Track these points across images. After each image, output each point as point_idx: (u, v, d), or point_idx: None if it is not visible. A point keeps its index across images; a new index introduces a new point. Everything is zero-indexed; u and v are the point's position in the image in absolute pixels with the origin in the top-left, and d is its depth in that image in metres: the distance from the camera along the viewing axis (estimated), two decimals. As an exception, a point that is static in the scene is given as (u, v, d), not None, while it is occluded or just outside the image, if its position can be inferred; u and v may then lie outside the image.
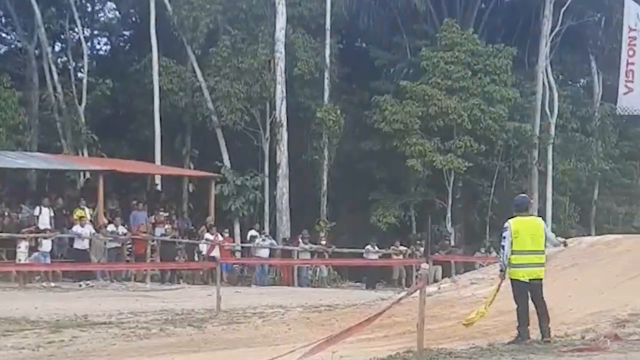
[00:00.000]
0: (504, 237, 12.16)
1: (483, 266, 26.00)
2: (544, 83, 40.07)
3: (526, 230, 12.08)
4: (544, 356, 10.57)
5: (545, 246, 12.24)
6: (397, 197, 37.32)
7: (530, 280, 12.01)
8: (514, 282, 12.12)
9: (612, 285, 15.68)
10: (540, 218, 12.89)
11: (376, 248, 32.97)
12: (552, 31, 40.30)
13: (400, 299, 12.12)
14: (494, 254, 33.49)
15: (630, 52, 26.13)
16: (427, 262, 26.47)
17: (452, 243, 36.24)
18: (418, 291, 10.42)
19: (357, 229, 36.68)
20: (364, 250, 32.58)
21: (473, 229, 39.53)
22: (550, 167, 39.29)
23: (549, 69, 40.63)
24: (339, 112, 35.92)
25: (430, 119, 36.00)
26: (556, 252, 12.72)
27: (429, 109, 35.85)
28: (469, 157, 36.40)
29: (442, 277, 27.64)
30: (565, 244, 13.33)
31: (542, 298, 12.10)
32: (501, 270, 12.35)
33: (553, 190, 39.38)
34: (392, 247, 33.41)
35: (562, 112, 40.78)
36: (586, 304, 14.41)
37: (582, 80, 48.84)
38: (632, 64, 26.30)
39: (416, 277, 28.42)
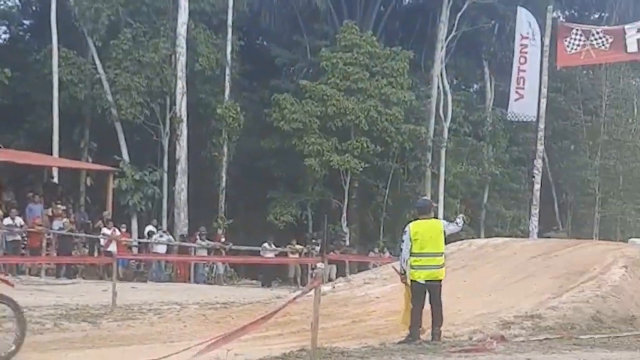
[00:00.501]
0: (403, 240, 12.55)
1: (376, 266, 26.32)
2: (438, 87, 40.81)
3: (426, 232, 12.41)
4: (432, 356, 10.83)
5: (445, 246, 12.65)
6: (294, 195, 37.46)
7: (427, 281, 12.33)
8: (412, 283, 12.42)
9: (499, 287, 16.12)
10: (441, 220, 13.23)
11: (273, 246, 32.99)
12: (447, 36, 41.09)
13: (295, 297, 12.23)
14: (387, 254, 34.08)
15: (522, 60, 26.84)
16: (323, 261, 26.73)
17: (347, 243, 36.56)
18: (313, 290, 10.51)
19: (254, 226, 36.61)
20: (260, 248, 32.56)
21: (367, 229, 39.93)
22: (442, 170, 40.01)
23: (444, 73, 41.42)
24: (239, 109, 35.86)
25: (328, 119, 36.19)
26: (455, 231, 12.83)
27: (327, 109, 36.04)
28: (365, 157, 36.73)
29: (337, 277, 27.88)
30: (463, 220, 13.38)
31: (440, 300, 12.40)
32: (401, 273, 12.69)
33: (445, 192, 40.07)
34: (288, 246, 33.48)
35: (455, 116, 41.59)
36: (474, 306, 14.79)
37: (475, 86, 49.88)
38: (524, 71, 27.00)
39: (311, 275, 28.61)
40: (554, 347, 11.84)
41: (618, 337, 12.96)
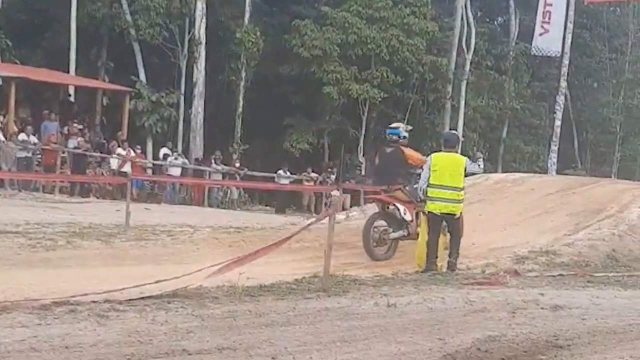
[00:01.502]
0: (423, 169, 12.63)
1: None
2: (462, 19, 40.29)
3: (446, 166, 12.54)
4: (444, 287, 10.82)
5: (464, 183, 12.67)
6: (311, 123, 37.32)
7: (442, 214, 12.50)
8: (428, 214, 12.58)
9: (515, 222, 16.09)
10: (465, 158, 13.04)
11: (288, 173, 33.05)
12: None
13: (309, 224, 12.23)
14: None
15: (549, -6, 26.42)
16: (338, 190, 26.71)
17: (363, 172, 36.53)
18: (327, 218, 10.49)
19: (270, 153, 36.61)
20: (275, 175, 32.60)
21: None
22: (463, 103, 39.77)
23: (469, 5, 40.85)
24: (258, 33, 35.56)
25: (349, 47, 35.82)
26: (477, 172, 12.97)
27: (348, 37, 35.67)
28: (385, 87, 36.47)
29: (351, 206, 27.86)
30: (482, 160, 13.49)
31: (458, 232, 12.60)
32: (418, 201, 12.89)
33: (464, 126, 39.88)
34: (303, 174, 33.53)
35: (478, 49, 41.16)
36: (489, 240, 14.78)
37: (499, 19, 49.25)
38: (550, 4, 26.56)
39: (326, 204, 28.66)
40: (567, 284, 11.80)
41: (633, 275, 12.91)
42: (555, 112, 21.71)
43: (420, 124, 39.33)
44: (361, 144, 37.28)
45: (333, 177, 32.78)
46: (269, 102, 37.71)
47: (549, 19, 23.57)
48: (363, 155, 37.35)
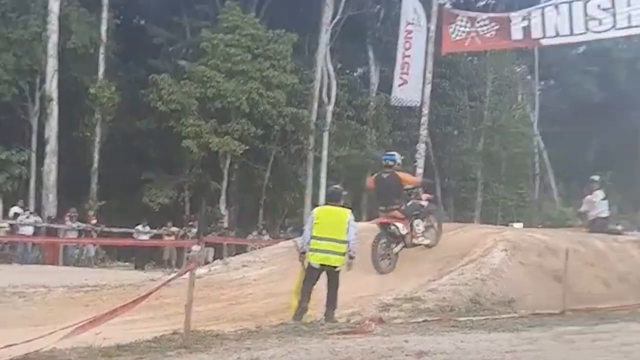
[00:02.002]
0: (308, 222, 13.15)
1: (255, 249, 26.32)
2: (322, 70, 40.94)
3: (328, 218, 12.94)
4: (310, 338, 10.81)
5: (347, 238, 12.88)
6: (171, 177, 37.07)
7: (321, 265, 12.83)
8: (308, 265, 12.93)
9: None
10: (350, 213, 13.29)
11: (147, 228, 32.62)
12: (332, 20, 41.23)
13: (169, 280, 12.08)
14: (266, 236, 34.13)
15: (407, 45, 27.14)
16: (199, 244, 26.54)
17: (226, 225, 36.44)
18: (188, 273, 10.38)
19: (129, 208, 35.99)
20: (134, 230, 32.13)
21: (247, 212, 39.90)
22: (325, 153, 40.23)
23: (329, 57, 41.56)
24: (113, 88, 35.24)
25: (208, 101, 35.85)
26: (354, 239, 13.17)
27: (207, 91, 35.68)
28: (246, 140, 36.52)
29: (214, 259, 27.70)
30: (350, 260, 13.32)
31: (335, 285, 12.83)
32: (301, 252, 13.07)
33: (327, 176, 40.29)
34: (164, 228, 33.18)
35: (339, 100, 41.88)
36: (354, 288, 14.83)
37: (359, 70, 50.29)
38: (408, 56, 27.32)
39: (187, 258, 28.44)
40: (432, 329, 11.98)
41: (496, 319, 13.22)
42: (416, 160, 22.28)
43: (283, 175, 39.76)
44: (223, 196, 37.20)
45: (194, 230, 32.52)
46: (126, 156, 37.29)
47: (408, 70, 24.24)
48: (225, 208, 37.25)
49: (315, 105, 40.68)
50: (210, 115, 36.09)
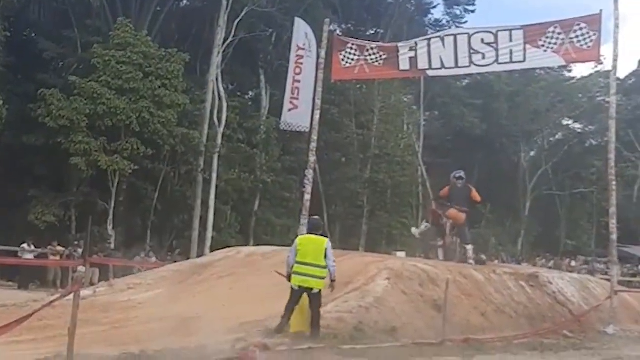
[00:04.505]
0: (291, 249, 14.33)
1: (142, 271, 25.92)
2: (214, 92, 40.90)
3: (309, 245, 14.10)
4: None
5: (326, 263, 13.97)
6: (58, 195, 36.32)
7: (300, 287, 13.84)
8: (291, 287, 13.95)
9: (266, 296, 16.22)
10: (328, 241, 14.41)
11: (32, 247, 31.79)
12: (224, 41, 41.26)
13: (52, 301, 11.83)
14: (153, 259, 33.69)
15: (297, 70, 27.14)
16: (85, 265, 26.05)
17: (113, 246, 35.83)
18: (72, 294, 10.21)
19: (13, 226, 35.11)
20: (18, 249, 31.28)
21: (134, 233, 39.35)
22: (215, 175, 40.08)
23: (220, 79, 41.55)
24: (1, 102, 34.36)
25: (98, 118, 35.28)
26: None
27: (97, 108, 35.13)
28: (135, 159, 36.15)
29: (100, 280, 27.19)
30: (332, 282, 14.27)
31: (316, 307, 13.80)
32: (288, 276, 14.18)
33: (216, 199, 40.16)
34: (49, 247, 32.38)
35: (230, 122, 41.88)
36: (239, 314, 14.83)
37: (251, 93, 50.37)
38: (298, 81, 27.30)
39: (72, 279, 27.84)
40: (316, 357, 12.09)
41: (379, 347, 13.39)
42: (304, 186, 22.38)
43: (172, 197, 39.38)
44: (111, 216, 36.57)
45: (80, 251, 31.85)
46: (12, 173, 36.31)
47: (298, 95, 24.19)
48: (113, 228, 36.66)
49: (206, 126, 40.58)
50: (100, 133, 35.52)
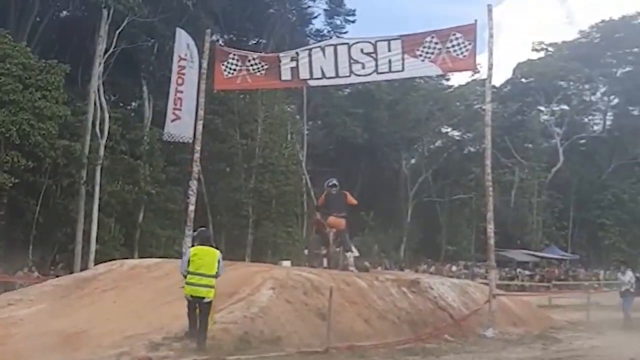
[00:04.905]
0: (184, 255, 14.97)
1: (24, 286, 25.23)
2: (95, 103, 40.22)
3: (205, 257, 14.32)
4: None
5: (217, 273, 14.28)
6: None
7: (192, 297, 14.03)
8: (185, 297, 14.15)
9: (150, 309, 16.06)
10: (218, 251, 14.76)
11: None
12: (106, 52, 40.66)
13: None
14: (35, 274, 32.83)
15: (180, 81, 26.82)
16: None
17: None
18: None
19: None
20: None
21: (16, 247, 38.27)
22: (97, 188, 39.39)
23: (102, 90, 40.91)
24: None
25: (-24, 131, 34.33)
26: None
27: (-25, 121, 34.18)
28: (16, 173, 35.21)
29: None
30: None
31: (204, 316, 13.99)
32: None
33: (99, 211, 39.49)
34: None
35: (112, 133, 41.25)
36: (123, 327, 14.62)
37: (133, 104, 49.78)
38: (181, 92, 26.99)
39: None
40: (201, 369, 12.06)
41: (264, 357, 13.41)
42: (189, 197, 22.22)
43: (54, 210, 38.51)
44: (-10, 231, 35.60)
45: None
46: None
47: (181, 105, 23.97)
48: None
49: (88, 138, 39.89)
50: (-24, 146, 34.51)
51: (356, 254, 20.96)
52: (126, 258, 26.98)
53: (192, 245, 15.39)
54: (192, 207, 21.06)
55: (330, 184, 21.13)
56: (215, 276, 14.23)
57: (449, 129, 70.83)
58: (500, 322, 19.41)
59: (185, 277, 14.24)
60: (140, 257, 33.33)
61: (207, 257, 14.32)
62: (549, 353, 16.50)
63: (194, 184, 21.66)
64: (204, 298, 13.98)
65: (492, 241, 19.63)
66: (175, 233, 42.44)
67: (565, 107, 76.73)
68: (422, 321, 17.83)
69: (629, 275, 25.18)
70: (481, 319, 18.87)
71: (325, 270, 19.57)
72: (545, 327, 21.26)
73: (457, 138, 71.47)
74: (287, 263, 23.59)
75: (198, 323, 13.91)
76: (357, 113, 62.89)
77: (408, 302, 18.33)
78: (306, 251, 22.61)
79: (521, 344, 17.85)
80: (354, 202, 20.99)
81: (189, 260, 14.26)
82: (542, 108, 76.31)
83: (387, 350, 15.23)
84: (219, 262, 14.35)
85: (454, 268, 53.54)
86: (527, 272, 55.86)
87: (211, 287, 14.09)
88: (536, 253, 62.76)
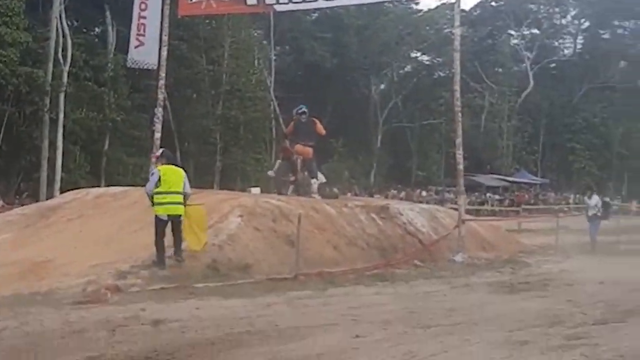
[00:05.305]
0: (152, 175, 14.55)
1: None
2: (57, 29, 39.56)
3: (172, 175, 14.44)
4: (43, 309, 10.59)
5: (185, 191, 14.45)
6: None
7: (169, 215, 14.11)
8: (156, 217, 14.12)
9: (117, 237, 16.00)
10: (182, 169, 14.95)
11: None
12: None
13: None
14: (0, 202, 32.72)
15: (143, 6, 26.25)
16: None
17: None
18: None
19: None
20: None
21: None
22: (62, 115, 39.00)
23: (63, 15, 40.21)
24: None
25: None
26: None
27: None
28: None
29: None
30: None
31: (180, 230, 14.25)
32: (152, 201, 14.37)
33: (64, 139, 39.17)
34: None
35: (75, 60, 40.72)
36: (90, 256, 14.57)
37: (96, 29, 49.07)
38: (144, 17, 26.48)
39: None
40: (169, 296, 12.06)
41: (233, 285, 13.43)
42: (154, 124, 22.00)
43: (18, 138, 38.14)
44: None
45: None
46: None
47: (144, 31, 23.53)
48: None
49: (51, 65, 39.27)
50: None
51: (322, 180, 20.93)
52: (92, 186, 26.83)
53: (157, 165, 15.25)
54: (158, 135, 20.88)
55: (299, 111, 21.04)
56: (184, 194, 14.42)
57: (419, 54, 70.54)
58: (470, 247, 19.58)
59: (151, 197, 14.27)
60: (107, 185, 33.21)
61: (174, 175, 14.47)
62: (518, 277, 16.65)
63: (159, 111, 21.45)
64: (180, 215, 14.20)
65: (461, 166, 19.66)
66: (142, 160, 42.10)
67: (535, 30, 76.77)
68: (392, 247, 17.92)
69: (595, 200, 25.41)
70: (450, 244, 19.02)
71: (293, 197, 19.58)
72: (514, 252, 21.47)
73: (427, 63, 71.28)
74: (256, 190, 23.56)
75: (173, 239, 14.12)
76: (326, 38, 62.37)
77: (377, 228, 18.40)
78: (270, 172, 22.15)
79: (490, 268, 18.01)
80: (323, 131, 20.86)
81: (158, 180, 14.26)
82: (512, 32, 76.27)
83: (356, 276, 15.31)
84: (185, 179, 14.57)
85: (423, 193, 53.95)
86: (496, 197, 56.48)
87: (182, 204, 14.30)
88: (506, 177, 63.37)
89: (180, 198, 14.31)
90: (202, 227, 14.57)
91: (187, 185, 14.59)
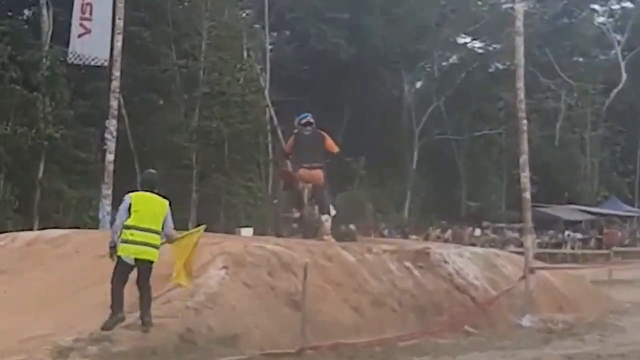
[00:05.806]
0: (120, 210, 14.40)
1: None
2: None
3: (148, 206, 14.36)
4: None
5: (163, 229, 14.35)
6: None
7: (136, 259, 14.04)
8: (119, 260, 14.13)
9: (55, 299, 16.02)
10: (167, 200, 14.66)
11: None
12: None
13: None
14: None
15: (88, -23, 26.31)
16: None
17: None
18: None
19: None
20: None
21: None
22: (-21, 131, 39.21)
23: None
24: None
25: None
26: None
27: None
28: None
29: None
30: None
31: (148, 284, 14.09)
32: (111, 247, 14.30)
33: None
34: None
35: None
36: (19, 327, 14.59)
37: (26, 12, 49.20)
38: (91, -5, 26.39)
39: None
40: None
41: (216, 363, 13.47)
42: (106, 142, 21.77)
43: None
44: None
45: None
46: None
47: (91, 13, 23.55)
48: None
49: (-36, 61, 39.61)
50: None
51: (333, 213, 20.69)
52: (22, 229, 26.91)
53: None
54: (111, 157, 21.04)
55: (302, 121, 20.88)
56: (159, 233, 14.29)
57: (468, 39, 70.65)
58: (542, 307, 19.56)
59: (118, 234, 14.17)
60: (42, 227, 33.24)
61: (151, 206, 14.40)
62: (608, 347, 16.61)
63: (112, 124, 21.60)
64: (151, 262, 14.13)
65: (528, 194, 19.68)
66: (91, 192, 42.10)
67: (628, 4, 76.62)
68: (434, 307, 17.92)
69: None
70: (515, 303, 19.00)
71: (297, 240, 19.58)
72: (603, 312, 21.45)
73: (480, 51, 71.35)
74: (247, 231, 23.67)
75: (140, 295, 14.03)
76: (340, 19, 62.19)
77: (413, 282, 18.39)
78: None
79: (570, 335, 17.98)
80: (335, 149, 20.74)
81: (128, 208, 14.19)
82: (596, 6, 76.23)
83: (385, 349, 15.31)
84: (167, 215, 14.46)
85: (477, 232, 53.89)
86: (578, 236, 56.32)
87: (157, 247, 14.19)
88: (591, 209, 63.13)
89: (156, 239, 14.17)
90: (194, 254, 14.69)
91: (170, 222, 14.50)
